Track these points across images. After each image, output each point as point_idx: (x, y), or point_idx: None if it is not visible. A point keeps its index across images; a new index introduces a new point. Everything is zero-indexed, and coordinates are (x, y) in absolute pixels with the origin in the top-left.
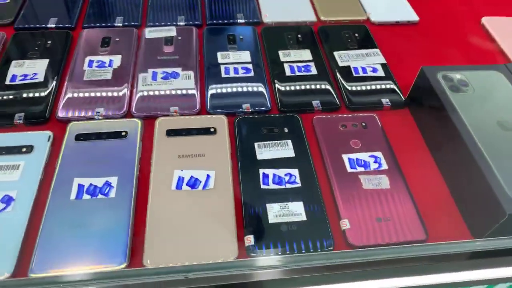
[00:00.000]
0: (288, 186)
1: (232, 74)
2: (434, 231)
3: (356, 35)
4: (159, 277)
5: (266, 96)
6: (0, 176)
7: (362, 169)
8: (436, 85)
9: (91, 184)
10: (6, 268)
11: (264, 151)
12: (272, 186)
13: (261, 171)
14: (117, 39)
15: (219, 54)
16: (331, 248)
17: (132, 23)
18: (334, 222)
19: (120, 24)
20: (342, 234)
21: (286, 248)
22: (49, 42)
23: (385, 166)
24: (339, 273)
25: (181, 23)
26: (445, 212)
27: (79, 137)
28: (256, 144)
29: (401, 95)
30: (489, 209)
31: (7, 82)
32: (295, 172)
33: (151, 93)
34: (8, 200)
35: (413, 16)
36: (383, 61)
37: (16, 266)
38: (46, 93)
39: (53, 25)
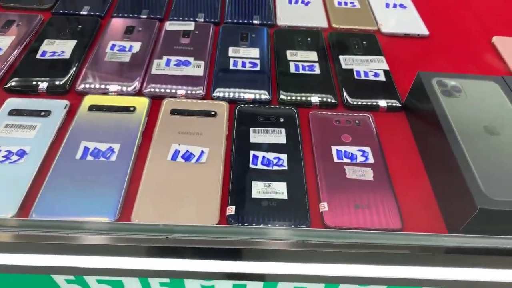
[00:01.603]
0: (275, 168)
1: (239, 67)
2: (411, 223)
3: (364, 42)
4: (144, 234)
5: (268, 88)
6: (19, 133)
7: (348, 160)
8: (429, 88)
9: (95, 148)
10: (11, 209)
11: (258, 135)
12: (260, 166)
13: (252, 152)
14: (140, 29)
15: (230, 48)
16: (307, 227)
17: (156, 16)
18: (314, 205)
19: (145, 16)
20: (320, 216)
21: (265, 221)
22: (79, 26)
23: (371, 160)
24: (311, 251)
25: (201, 20)
26: (424, 207)
27: (92, 108)
28: (251, 129)
29: (398, 99)
30: (463, 204)
31: (38, 56)
32: (283, 156)
33: (162, 76)
34: (21, 153)
35: (423, 30)
36: (386, 67)
37: (19, 209)
38: (69, 68)
39: (85, 12)
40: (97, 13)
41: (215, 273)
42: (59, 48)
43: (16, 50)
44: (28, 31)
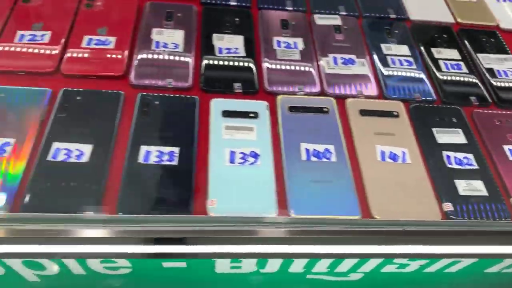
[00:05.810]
0: (466, 167)
1: (397, 65)
2: None
3: (492, 40)
4: (383, 227)
5: (430, 89)
6: (241, 135)
7: None
8: None
9: (314, 149)
10: (272, 207)
11: (443, 136)
12: (454, 165)
13: (444, 153)
14: (293, 23)
15: (382, 46)
16: None
17: (300, 8)
18: None
19: (291, 8)
20: None
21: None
22: (236, 20)
23: None
24: None
25: (343, 13)
26: None
27: (292, 109)
28: (433, 129)
29: None
30: None
31: (217, 53)
32: (470, 156)
33: (336, 76)
34: (255, 155)
35: None
36: None
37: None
38: (252, 68)
39: (234, 3)
40: (246, 4)
41: None
42: (232, 45)
43: (191, 46)
44: (191, 24)
